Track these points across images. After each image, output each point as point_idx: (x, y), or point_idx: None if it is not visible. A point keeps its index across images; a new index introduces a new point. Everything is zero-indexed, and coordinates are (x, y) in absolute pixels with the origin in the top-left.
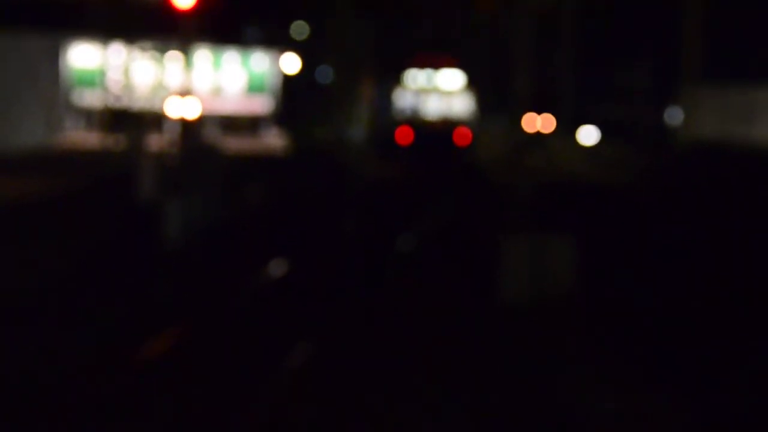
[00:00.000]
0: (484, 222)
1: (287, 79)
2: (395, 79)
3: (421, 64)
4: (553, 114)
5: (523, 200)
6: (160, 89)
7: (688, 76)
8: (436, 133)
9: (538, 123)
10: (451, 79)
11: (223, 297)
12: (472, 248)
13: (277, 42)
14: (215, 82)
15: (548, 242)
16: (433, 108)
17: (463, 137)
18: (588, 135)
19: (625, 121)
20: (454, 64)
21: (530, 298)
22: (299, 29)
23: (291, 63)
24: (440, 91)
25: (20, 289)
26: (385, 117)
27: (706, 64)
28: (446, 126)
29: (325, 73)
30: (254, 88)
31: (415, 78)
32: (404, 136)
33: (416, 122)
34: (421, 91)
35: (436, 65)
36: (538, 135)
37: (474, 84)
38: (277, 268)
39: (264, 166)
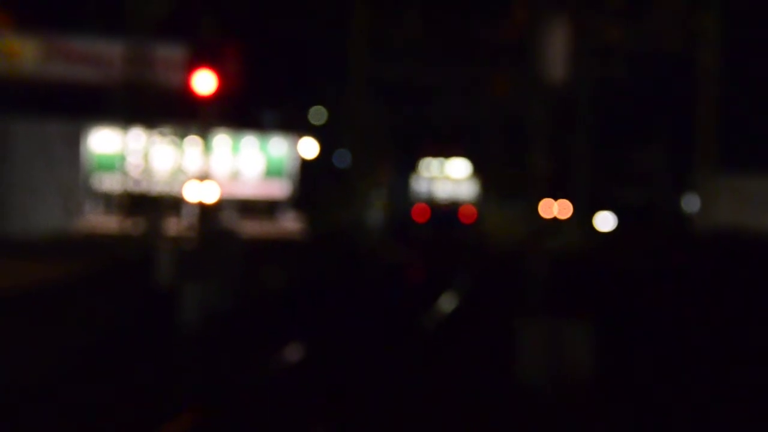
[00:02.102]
0: (501, 305)
1: (305, 163)
2: (412, 167)
3: (434, 154)
4: (570, 200)
5: (540, 284)
6: (179, 173)
7: (704, 163)
8: (447, 212)
9: (555, 209)
10: (459, 167)
11: (238, 382)
12: (488, 332)
13: (295, 126)
14: (234, 167)
15: (565, 326)
16: (444, 192)
17: (468, 217)
18: (605, 221)
19: (642, 207)
20: (461, 154)
21: (547, 382)
22: (317, 114)
23: (309, 147)
24: (450, 178)
25: (37, 371)
26: (402, 200)
27: (722, 152)
28: (454, 207)
29: (343, 157)
30: (272, 172)
31: (429, 166)
32: (421, 214)
33: (431, 204)
34: (434, 178)
35: (447, 154)
36: (554, 221)
37: (479, 170)
38: (293, 352)
39: (281, 250)
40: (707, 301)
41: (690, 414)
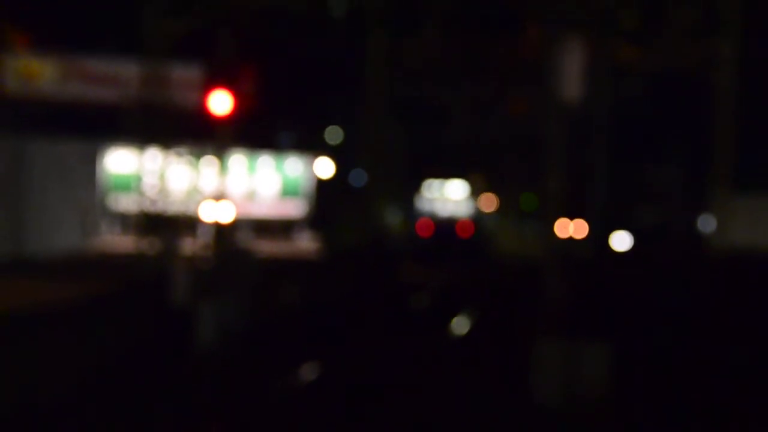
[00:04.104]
0: (517, 324)
1: (321, 183)
2: (416, 188)
3: (436, 175)
4: (586, 219)
5: (556, 304)
6: (195, 193)
7: (720, 183)
8: (448, 227)
9: (571, 228)
10: (458, 188)
11: (255, 403)
12: (504, 351)
13: (311, 146)
14: (249, 186)
15: (581, 346)
16: (445, 210)
17: (465, 231)
18: (621, 241)
19: (658, 227)
20: (461, 176)
21: (564, 402)
22: (333, 133)
23: (324, 167)
24: (449, 199)
25: (53, 392)
26: (412, 218)
27: (738, 172)
28: (453, 222)
29: (359, 177)
30: (288, 192)
31: (431, 187)
32: (425, 229)
33: (434, 219)
34: (435, 199)
35: (447, 176)
36: (570, 240)
37: (495, 189)
38: (309, 372)
39: (297, 269)
40: (724, 321)
41: None
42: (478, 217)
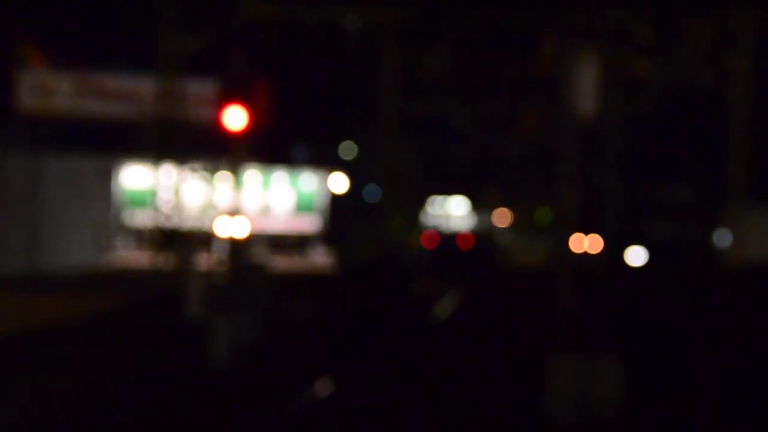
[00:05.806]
0: (530, 338)
1: (335, 198)
2: (422, 203)
3: (449, 191)
4: (600, 234)
5: (570, 319)
6: (210, 209)
7: (735, 198)
8: (451, 240)
9: (586, 243)
10: (459, 204)
11: (267, 419)
12: (517, 365)
13: (326, 161)
14: (264, 202)
15: (595, 362)
16: (451, 224)
17: (466, 243)
18: (636, 255)
19: (674, 241)
20: (472, 191)
21: (577, 419)
22: (347, 148)
23: (339, 182)
24: (451, 214)
25: (65, 408)
26: (420, 231)
27: (753, 187)
28: (455, 235)
29: (373, 192)
30: (302, 207)
31: (434, 202)
32: (431, 241)
33: (439, 233)
34: (438, 215)
35: (457, 192)
36: (585, 255)
37: (490, 206)
38: (323, 387)
39: (311, 284)
40: (740, 335)
41: None
42: (485, 231)
